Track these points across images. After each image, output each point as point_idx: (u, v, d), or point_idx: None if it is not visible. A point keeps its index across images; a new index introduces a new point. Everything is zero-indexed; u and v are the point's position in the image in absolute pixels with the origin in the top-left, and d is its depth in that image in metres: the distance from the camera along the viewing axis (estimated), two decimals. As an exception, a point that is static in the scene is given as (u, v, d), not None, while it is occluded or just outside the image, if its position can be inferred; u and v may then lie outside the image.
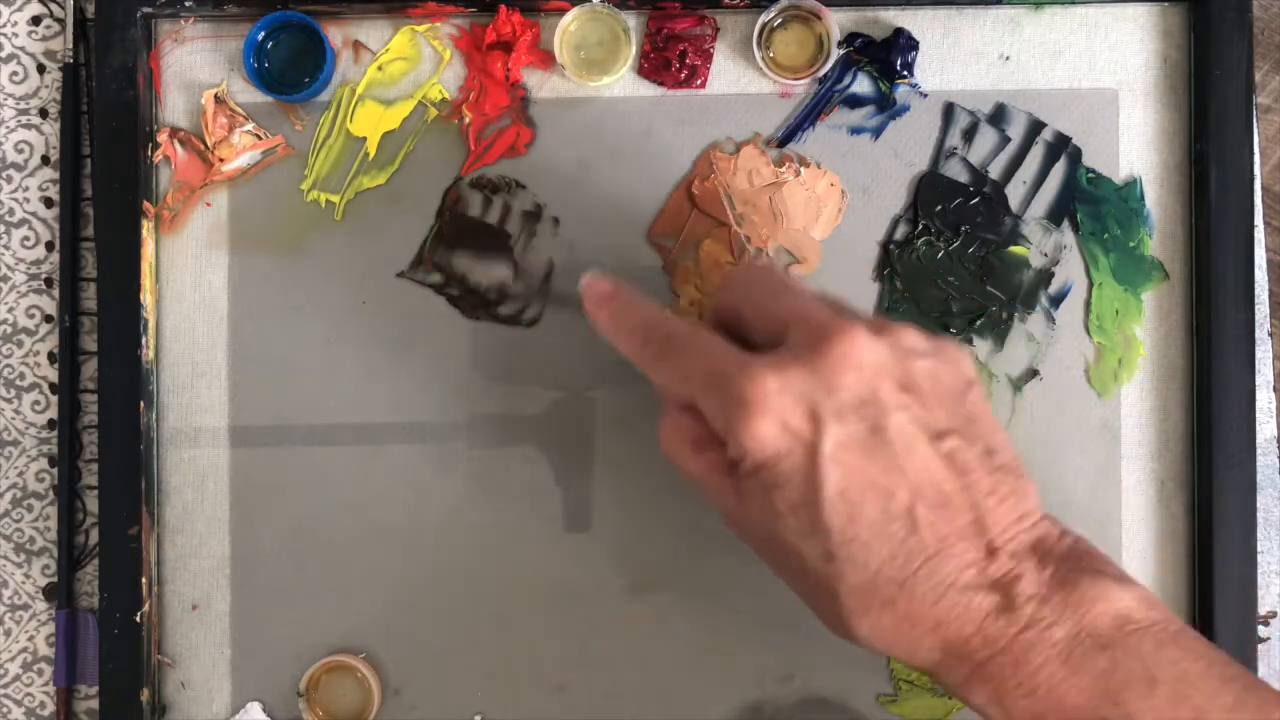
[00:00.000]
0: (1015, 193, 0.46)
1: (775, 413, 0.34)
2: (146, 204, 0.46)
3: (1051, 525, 0.35)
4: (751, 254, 0.46)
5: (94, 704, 0.47)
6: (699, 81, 0.46)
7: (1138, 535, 0.46)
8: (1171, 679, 0.32)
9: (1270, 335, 0.47)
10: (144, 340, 0.46)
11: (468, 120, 0.46)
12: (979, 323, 0.46)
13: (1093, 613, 0.33)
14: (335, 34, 0.46)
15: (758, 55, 0.45)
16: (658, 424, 0.38)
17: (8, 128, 0.47)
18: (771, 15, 0.45)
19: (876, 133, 0.46)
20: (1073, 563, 0.34)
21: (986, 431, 0.35)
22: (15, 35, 0.47)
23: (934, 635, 0.34)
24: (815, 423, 0.34)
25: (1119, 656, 0.32)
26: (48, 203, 0.48)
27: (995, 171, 0.46)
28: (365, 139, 0.46)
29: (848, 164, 0.46)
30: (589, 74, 0.45)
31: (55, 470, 0.47)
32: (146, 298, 0.46)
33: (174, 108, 0.47)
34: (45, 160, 0.48)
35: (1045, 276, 0.46)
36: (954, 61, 0.46)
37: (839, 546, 0.34)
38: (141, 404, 0.45)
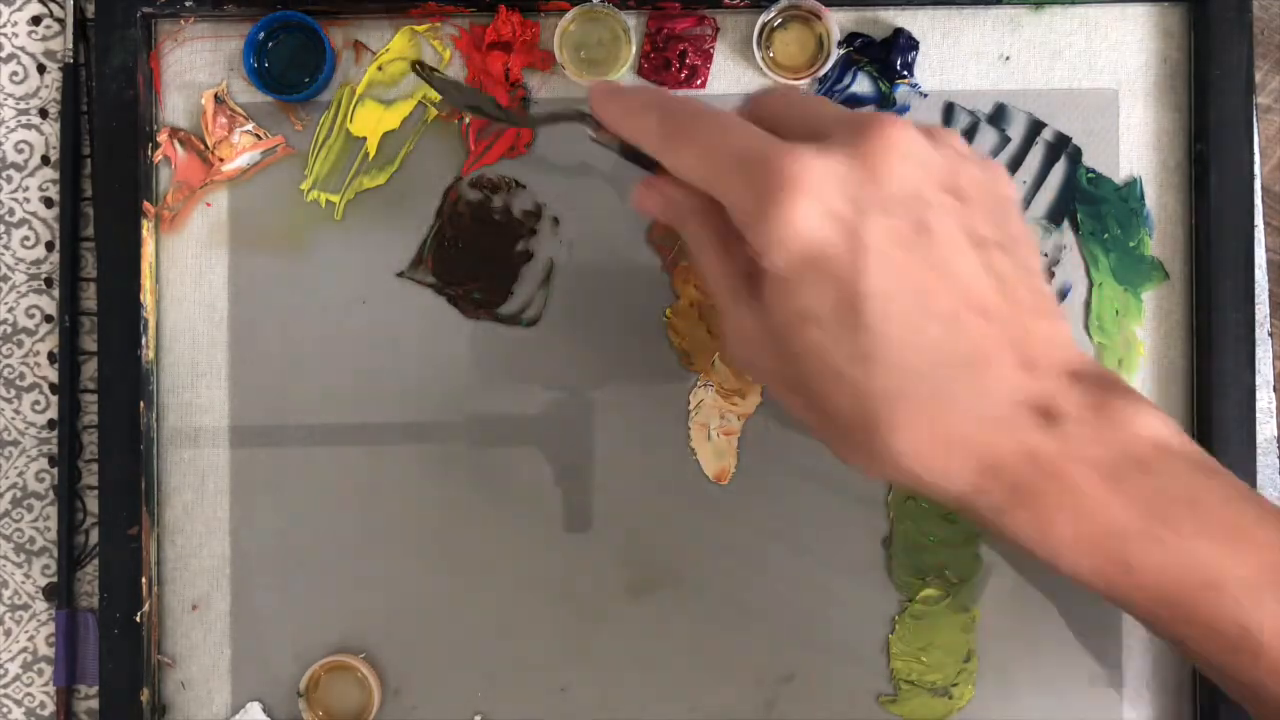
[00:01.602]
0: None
1: (817, 195, 0.30)
2: (146, 204, 0.46)
3: (1085, 353, 0.34)
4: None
5: (94, 704, 0.47)
6: (699, 81, 0.46)
7: (1138, 535, 0.46)
8: (1213, 500, 0.32)
9: (1270, 335, 0.47)
10: (144, 340, 0.46)
11: (468, 120, 0.46)
12: (979, 323, 0.46)
13: (1131, 435, 0.32)
14: (335, 34, 0.46)
15: (758, 55, 0.45)
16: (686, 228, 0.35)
17: (8, 128, 0.47)
18: (771, 15, 0.45)
19: (876, 133, 0.46)
20: (1107, 387, 0.32)
21: (1027, 251, 0.33)
22: (15, 35, 0.47)
23: (969, 452, 0.31)
24: (859, 211, 0.31)
25: (1163, 479, 0.31)
26: (48, 203, 0.48)
27: (995, 171, 0.46)
28: (365, 139, 0.46)
29: (848, 164, 0.46)
30: (589, 74, 0.45)
31: (55, 470, 0.47)
32: (146, 298, 0.46)
33: (174, 108, 0.47)
34: (45, 160, 0.48)
35: (1045, 276, 0.46)
36: (954, 61, 0.46)
37: (876, 345, 0.31)
38: (141, 404, 0.45)
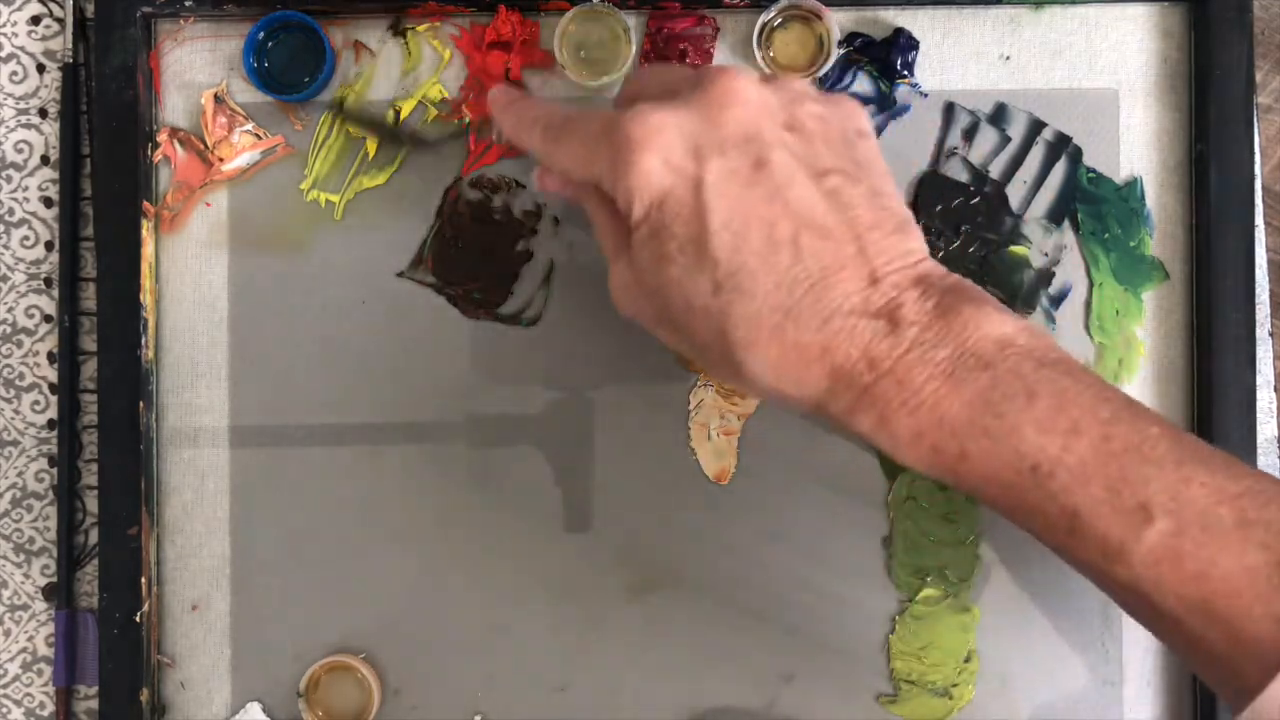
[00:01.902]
0: (1015, 193, 0.46)
1: (658, 149, 0.34)
2: (146, 204, 0.46)
3: (935, 265, 0.36)
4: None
5: (94, 704, 0.47)
6: (699, 81, 0.46)
7: (1138, 535, 0.46)
8: (1050, 393, 0.33)
9: (1270, 335, 0.47)
10: (144, 340, 0.46)
11: (468, 120, 0.46)
12: (979, 323, 0.46)
13: (975, 335, 0.34)
14: (335, 34, 0.46)
15: (758, 55, 0.45)
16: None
17: (8, 128, 0.47)
18: (771, 15, 0.45)
19: (877, 133, 0.46)
20: (956, 294, 0.34)
21: (874, 176, 0.36)
22: (15, 35, 0.47)
23: (820, 363, 0.34)
24: (699, 158, 0.34)
25: (1000, 374, 0.33)
26: (47, 203, 0.48)
27: (995, 171, 0.46)
28: (365, 139, 0.46)
29: (848, 164, 0.46)
30: (589, 74, 0.45)
31: (55, 470, 0.47)
32: (146, 298, 0.46)
33: (174, 108, 0.47)
34: (45, 160, 0.47)
35: (1045, 276, 0.46)
36: (954, 61, 0.46)
37: (726, 277, 0.34)
38: (141, 404, 0.45)
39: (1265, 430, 0.46)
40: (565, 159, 0.37)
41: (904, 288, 0.34)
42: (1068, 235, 0.46)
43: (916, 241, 0.36)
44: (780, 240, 0.34)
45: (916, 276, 0.35)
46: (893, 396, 0.34)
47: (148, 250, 0.46)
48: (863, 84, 0.46)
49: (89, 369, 0.47)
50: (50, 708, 0.47)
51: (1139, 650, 0.46)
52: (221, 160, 0.46)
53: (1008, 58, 0.47)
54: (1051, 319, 0.46)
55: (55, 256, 0.47)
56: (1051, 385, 0.33)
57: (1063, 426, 0.33)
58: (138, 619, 0.45)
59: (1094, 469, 0.32)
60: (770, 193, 0.34)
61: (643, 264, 0.36)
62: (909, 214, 0.36)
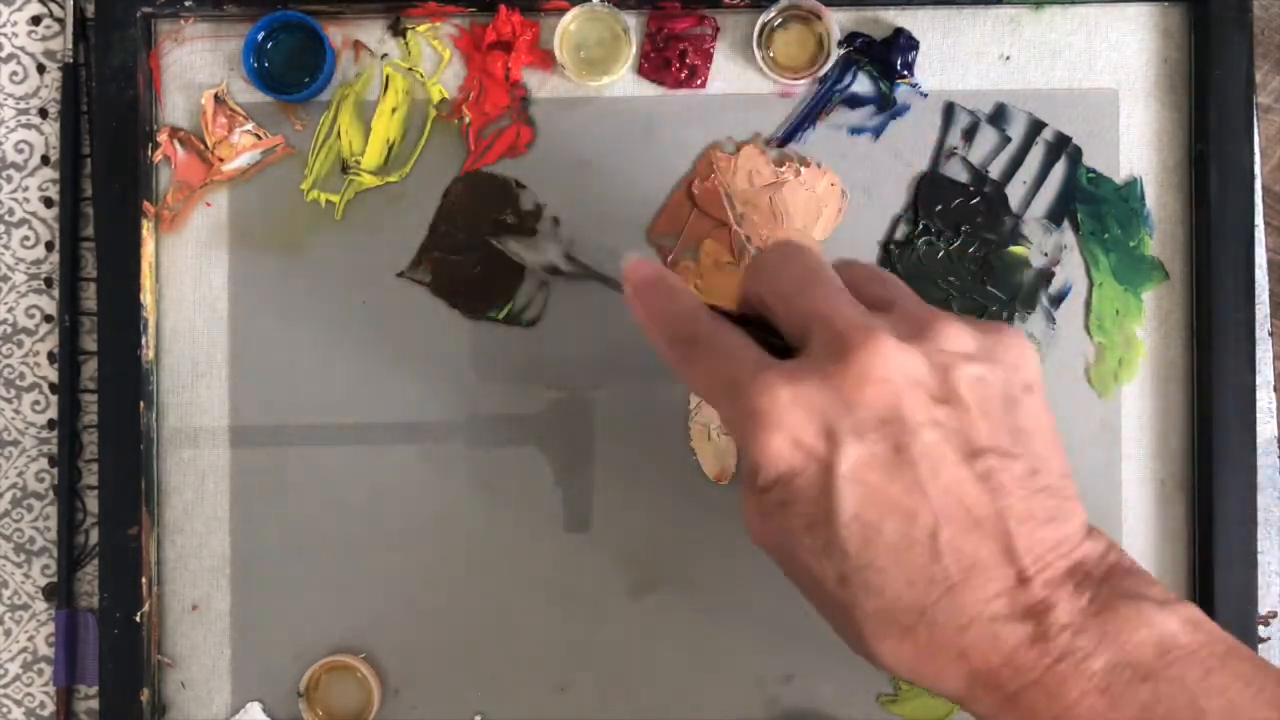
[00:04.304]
0: (1015, 193, 0.46)
1: (787, 428, 0.31)
2: (146, 204, 0.46)
3: (1094, 545, 0.33)
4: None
5: (94, 704, 0.47)
6: (699, 81, 0.46)
7: (1138, 535, 0.46)
8: (1219, 708, 0.30)
9: (1270, 335, 0.47)
10: (144, 340, 0.46)
11: (468, 120, 0.46)
12: (979, 323, 0.46)
13: (1133, 641, 0.31)
14: (335, 34, 0.46)
15: (758, 55, 0.45)
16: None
17: (8, 128, 0.47)
18: (771, 15, 0.45)
19: (876, 133, 0.46)
20: (1112, 586, 0.32)
21: (1037, 446, 0.33)
22: (15, 35, 0.47)
23: (959, 665, 0.32)
24: (831, 440, 0.31)
25: (1162, 687, 0.30)
26: (48, 203, 0.48)
27: (995, 171, 0.46)
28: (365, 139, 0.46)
29: (848, 164, 0.46)
30: (589, 74, 0.45)
31: (55, 470, 0.47)
32: (146, 298, 0.46)
33: (174, 108, 0.47)
34: (45, 160, 0.47)
35: (1045, 276, 0.46)
36: (954, 61, 0.46)
37: (855, 571, 0.31)
38: (141, 404, 0.45)
39: (1265, 430, 0.46)
40: (690, 383, 0.35)
41: (1056, 585, 0.31)
42: (1068, 235, 0.46)
43: (1074, 523, 0.32)
44: (918, 536, 0.31)
45: (1070, 568, 0.32)
46: (1041, 709, 0.31)
47: (148, 250, 0.46)
48: (863, 84, 0.46)
49: (89, 369, 0.47)
50: (50, 708, 0.47)
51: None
52: (222, 160, 0.46)
53: (1008, 58, 0.47)
54: (1051, 319, 0.46)
55: (55, 256, 0.47)
56: (1219, 699, 0.30)
57: None
58: (138, 619, 0.45)
59: None
60: (911, 483, 0.31)
61: (770, 526, 0.33)
62: (1070, 486, 0.33)
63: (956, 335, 0.33)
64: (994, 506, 0.31)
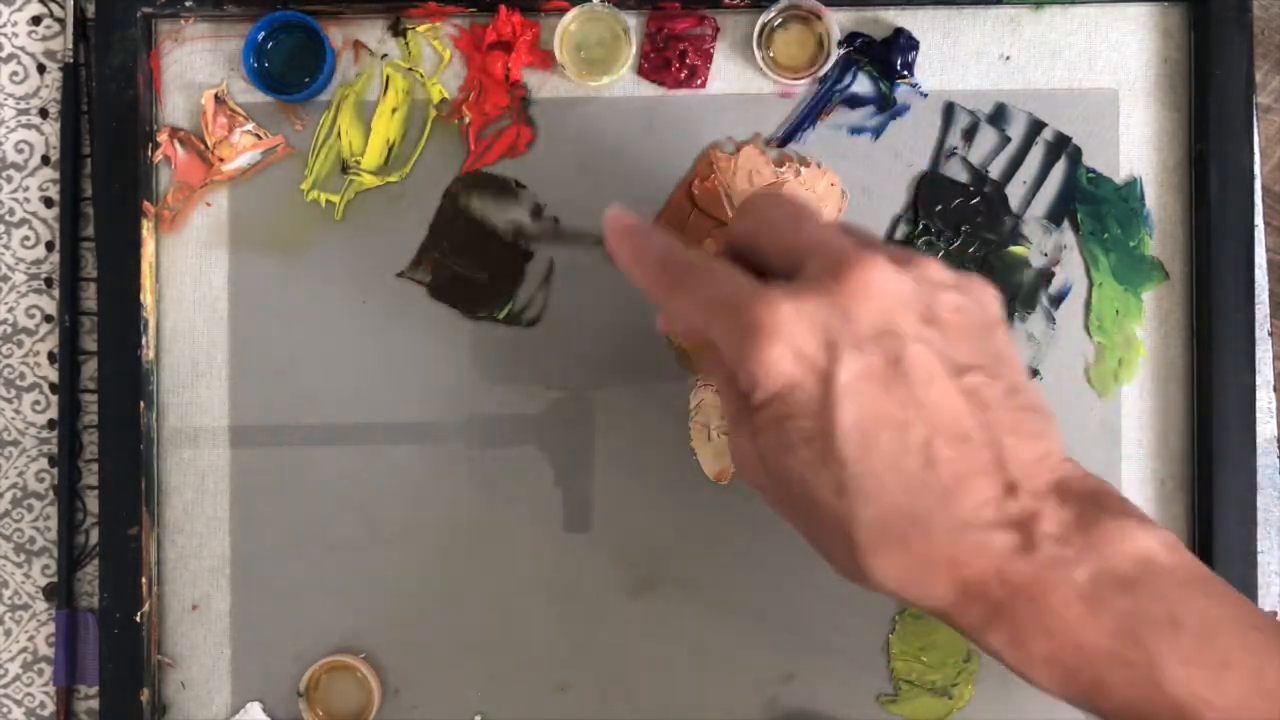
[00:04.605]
0: (1015, 193, 0.46)
1: (788, 339, 0.32)
2: (146, 204, 0.46)
3: (1074, 467, 0.34)
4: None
5: (94, 704, 0.47)
6: (699, 81, 0.46)
7: (1138, 535, 0.46)
8: (1196, 622, 0.31)
9: (1270, 335, 0.47)
10: (144, 340, 0.46)
11: (468, 120, 0.46)
12: (979, 323, 0.46)
13: (1115, 553, 0.32)
14: (335, 34, 0.46)
15: (758, 55, 0.45)
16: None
17: (8, 128, 0.47)
18: (771, 15, 0.45)
19: (876, 133, 0.46)
20: (1095, 503, 0.33)
21: (1011, 370, 0.34)
22: (15, 35, 0.47)
23: (949, 575, 0.32)
24: (831, 351, 0.32)
25: (1142, 598, 0.31)
26: (48, 203, 0.48)
27: (995, 171, 0.46)
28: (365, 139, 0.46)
29: (848, 164, 0.46)
30: (589, 74, 0.45)
31: (55, 470, 0.47)
32: (146, 298, 0.46)
33: (174, 108, 0.47)
34: (45, 160, 0.48)
35: (1045, 276, 0.46)
36: (954, 61, 0.46)
37: (852, 479, 0.32)
38: (141, 404, 0.45)
39: (1265, 430, 0.46)
40: (682, 310, 0.35)
41: (1042, 496, 0.32)
42: (1068, 235, 0.46)
43: (1055, 441, 0.34)
44: (913, 445, 0.32)
45: (1055, 482, 0.33)
46: (1026, 617, 0.32)
47: (148, 250, 0.46)
48: (863, 84, 0.46)
49: (89, 369, 0.47)
50: (50, 708, 0.47)
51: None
52: (222, 160, 0.46)
53: (1008, 58, 0.47)
54: (1051, 319, 0.46)
55: (55, 256, 0.47)
56: (1197, 612, 0.31)
57: (1211, 660, 0.31)
58: (138, 619, 0.45)
59: (1246, 711, 0.30)
60: (905, 394, 0.32)
61: (765, 446, 0.34)
62: (1047, 408, 0.34)
63: (936, 267, 0.35)
64: (981, 419, 0.33)
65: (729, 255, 0.37)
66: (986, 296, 0.35)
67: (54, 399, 0.47)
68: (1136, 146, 0.46)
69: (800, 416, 0.33)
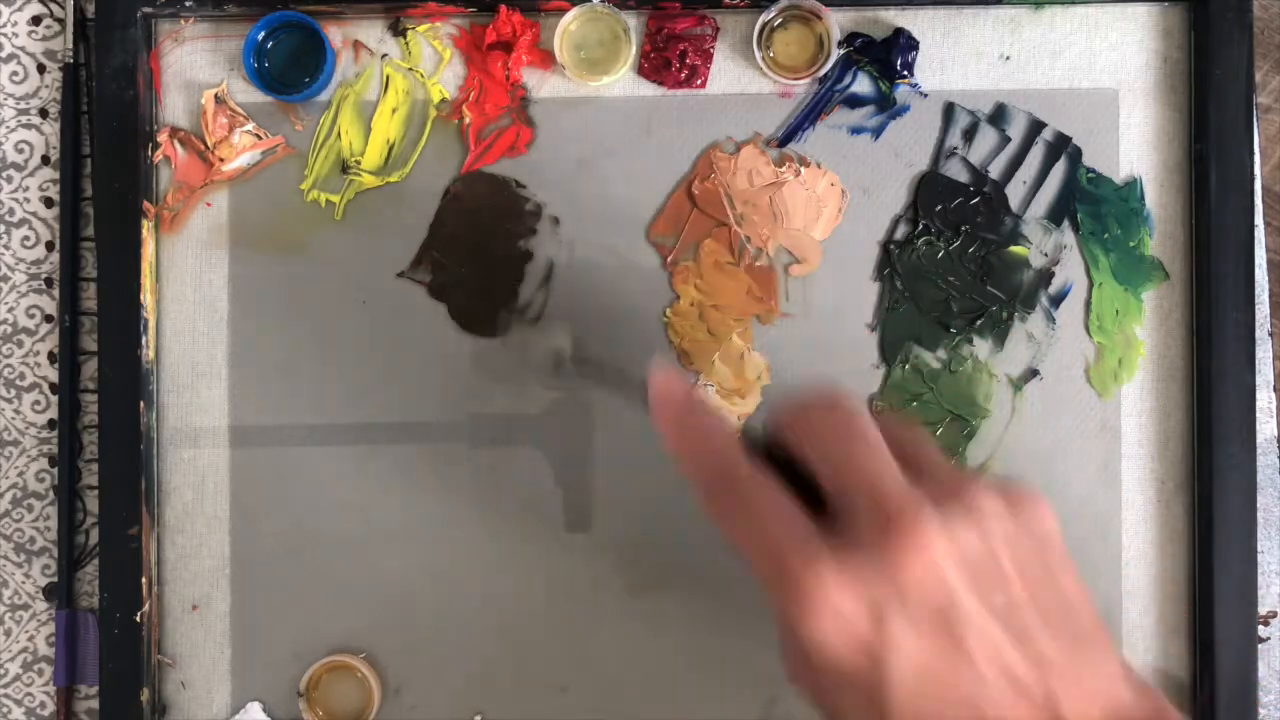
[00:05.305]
0: (1015, 193, 0.46)
1: (833, 614, 0.32)
2: (146, 204, 0.46)
3: (1129, 691, 0.33)
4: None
5: (94, 704, 0.47)
6: (699, 81, 0.46)
7: (1138, 535, 0.46)
8: None
9: (1270, 335, 0.47)
10: (144, 340, 0.46)
11: (468, 120, 0.46)
12: (979, 322, 0.46)
13: None
14: (335, 34, 0.46)
15: (758, 55, 0.45)
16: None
17: (8, 128, 0.47)
18: (771, 15, 0.45)
19: (876, 133, 0.46)
20: None
21: (1066, 590, 0.34)
22: (15, 35, 0.47)
23: None
24: (881, 629, 0.32)
25: None
26: (48, 203, 0.48)
27: (995, 171, 0.46)
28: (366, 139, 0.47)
29: (848, 164, 0.46)
30: (589, 74, 0.45)
31: (55, 470, 0.47)
32: (146, 298, 0.46)
33: (174, 108, 0.47)
34: (45, 160, 0.48)
35: (1045, 276, 0.46)
36: (954, 61, 0.46)
37: None
38: (141, 404, 0.45)
39: (1265, 430, 0.46)
40: (725, 534, 0.35)
41: None
42: (1068, 235, 0.46)
43: (1111, 670, 0.33)
44: (961, 702, 0.32)
45: (1111, 713, 0.33)
46: None
47: (148, 250, 0.46)
48: (863, 84, 0.46)
49: (89, 369, 0.47)
50: (51, 707, 0.47)
51: (1139, 649, 0.46)
52: (222, 160, 0.46)
53: (1008, 58, 0.47)
54: (1051, 319, 0.46)
55: (55, 256, 0.47)
56: None
57: None
58: (138, 619, 0.45)
59: None
60: (954, 650, 0.32)
61: (817, 684, 0.34)
62: (1100, 628, 0.34)
63: (987, 496, 0.34)
64: (1034, 661, 0.32)
65: (773, 441, 0.36)
66: (1039, 515, 0.34)
67: (54, 399, 0.47)
68: (1136, 146, 0.46)
69: (852, 688, 0.32)
